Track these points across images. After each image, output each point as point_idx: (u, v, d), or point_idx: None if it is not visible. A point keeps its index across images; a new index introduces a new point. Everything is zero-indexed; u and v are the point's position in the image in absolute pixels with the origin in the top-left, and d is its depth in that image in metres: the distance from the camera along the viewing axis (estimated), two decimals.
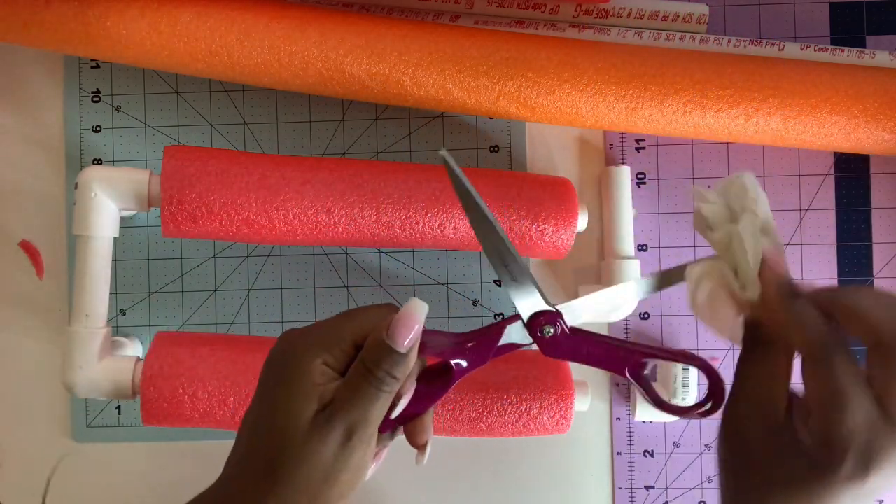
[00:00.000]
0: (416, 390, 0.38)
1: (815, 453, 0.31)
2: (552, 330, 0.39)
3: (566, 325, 0.39)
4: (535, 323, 0.39)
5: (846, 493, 0.31)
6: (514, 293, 0.38)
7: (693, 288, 0.35)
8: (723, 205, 0.36)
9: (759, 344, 0.34)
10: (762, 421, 0.33)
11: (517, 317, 0.39)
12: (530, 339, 0.39)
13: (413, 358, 0.36)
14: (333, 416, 0.35)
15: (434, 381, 0.39)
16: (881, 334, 0.31)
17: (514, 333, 0.39)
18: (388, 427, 0.38)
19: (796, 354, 0.34)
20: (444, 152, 0.36)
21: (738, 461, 0.34)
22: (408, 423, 0.39)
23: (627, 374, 0.39)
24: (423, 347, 0.37)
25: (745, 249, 0.34)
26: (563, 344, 0.39)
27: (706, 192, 0.36)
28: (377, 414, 0.36)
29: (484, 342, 0.39)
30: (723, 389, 0.38)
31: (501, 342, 0.39)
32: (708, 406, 0.38)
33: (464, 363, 0.39)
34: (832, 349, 0.31)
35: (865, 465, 0.30)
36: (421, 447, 0.39)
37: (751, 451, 0.33)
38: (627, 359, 0.39)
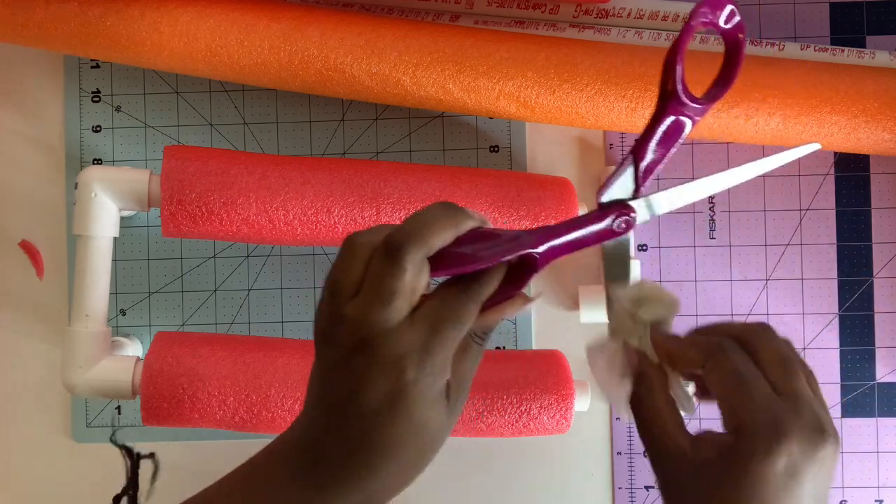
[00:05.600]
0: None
1: (730, 443, 0.33)
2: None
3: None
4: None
5: (766, 474, 0.32)
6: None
7: (595, 355, 0.38)
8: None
9: (643, 385, 0.36)
10: (669, 440, 0.35)
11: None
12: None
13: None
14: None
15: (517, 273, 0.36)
16: (746, 335, 0.35)
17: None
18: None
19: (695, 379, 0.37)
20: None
21: (668, 490, 0.36)
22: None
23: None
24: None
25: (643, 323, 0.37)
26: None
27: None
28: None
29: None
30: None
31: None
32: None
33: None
34: (727, 344, 0.35)
35: (777, 438, 0.32)
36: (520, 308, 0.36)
37: (670, 476, 0.35)
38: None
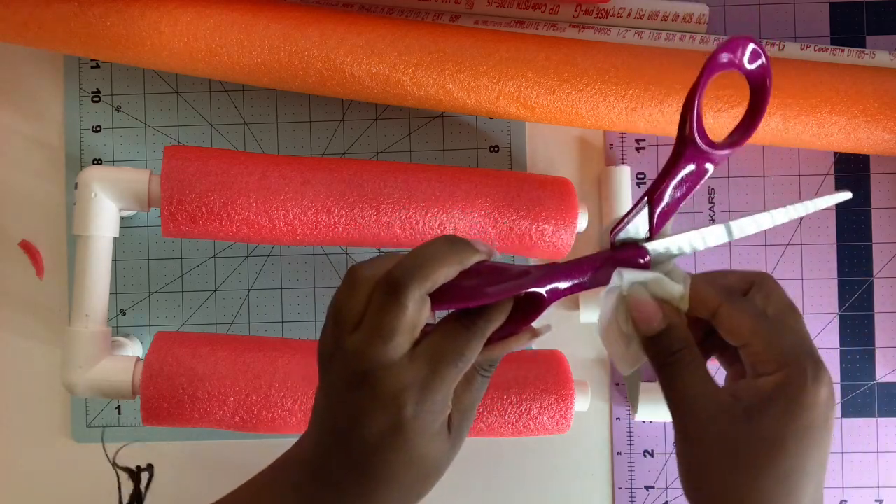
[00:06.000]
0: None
1: (779, 380, 0.32)
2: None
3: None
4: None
5: (818, 402, 0.31)
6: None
7: (612, 304, 0.35)
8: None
9: (674, 336, 0.34)
10: (709, 394, 0.33)
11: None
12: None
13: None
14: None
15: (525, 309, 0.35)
16: (757, 279, 0.35)
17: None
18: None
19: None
20: None
21: (702, 445, 0.33)
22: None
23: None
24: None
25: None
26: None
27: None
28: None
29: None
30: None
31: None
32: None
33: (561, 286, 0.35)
34: (765, 280, 0.35)
35: (821, 366, 0.32)
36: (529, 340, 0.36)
37: (705, 429, 0.33)
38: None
